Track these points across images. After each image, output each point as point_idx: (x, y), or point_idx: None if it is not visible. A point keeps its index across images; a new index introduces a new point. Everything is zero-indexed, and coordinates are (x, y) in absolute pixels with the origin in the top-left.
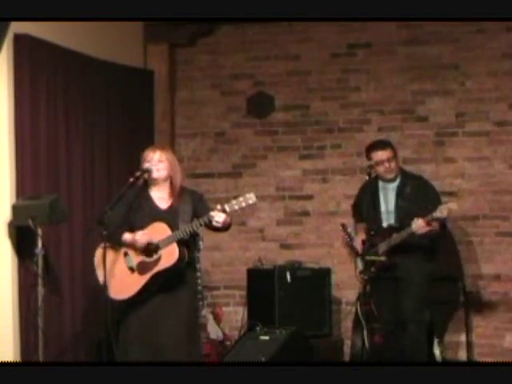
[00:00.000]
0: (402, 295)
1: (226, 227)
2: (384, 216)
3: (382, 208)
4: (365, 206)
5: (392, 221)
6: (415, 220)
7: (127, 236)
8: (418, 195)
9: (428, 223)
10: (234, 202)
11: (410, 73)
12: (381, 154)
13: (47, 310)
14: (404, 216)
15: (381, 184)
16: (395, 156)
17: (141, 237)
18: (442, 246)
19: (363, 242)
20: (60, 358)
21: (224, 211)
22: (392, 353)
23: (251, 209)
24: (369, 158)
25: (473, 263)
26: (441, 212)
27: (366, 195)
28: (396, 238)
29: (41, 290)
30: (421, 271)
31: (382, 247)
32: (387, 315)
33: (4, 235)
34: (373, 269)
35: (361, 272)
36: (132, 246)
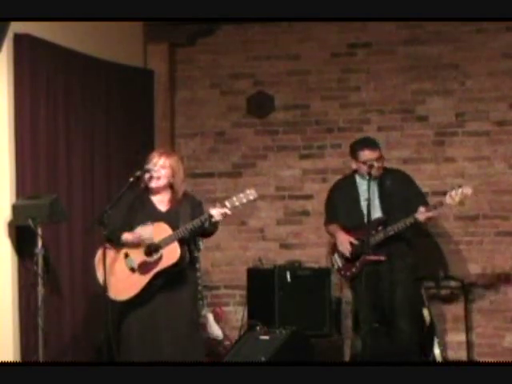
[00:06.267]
0: (387, 291)
1: (214, 230)
2: (366, 211)
3: (363, 203)
4: (342, 204)
5: (378, 214)
6: (420, 209)
7: (127, 235)
8: (399, 186)
9: (428, 210)
10: (234, 198)
11: (409, 72)
12: (369, 154)
13: (47, 310)
14: (389, 208)
15: (359, 180)
16: (382, 156)
17: (141, 230)
18: (442, 246)
19: (351, 243)
20: (60, 358)
21: (224, 207)
22: (378, 351)
23: (251, 208)
24: (354, 156)
25: (473, 263)
26: (452, 199)
27: (343, 193)
28: (393, 228)
29: (41, 289)
30: (404, 265)
31: (375, 239)
32: (370, 314)
33: (4, 235)
34: (358, 264)
35: (339, 269)
36: (132, 245)
